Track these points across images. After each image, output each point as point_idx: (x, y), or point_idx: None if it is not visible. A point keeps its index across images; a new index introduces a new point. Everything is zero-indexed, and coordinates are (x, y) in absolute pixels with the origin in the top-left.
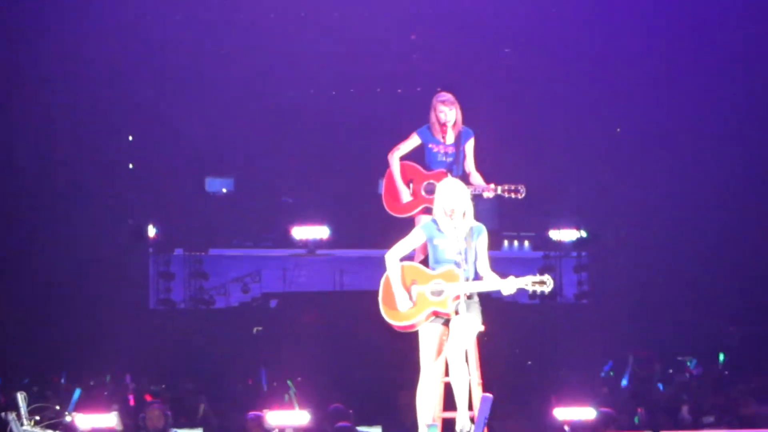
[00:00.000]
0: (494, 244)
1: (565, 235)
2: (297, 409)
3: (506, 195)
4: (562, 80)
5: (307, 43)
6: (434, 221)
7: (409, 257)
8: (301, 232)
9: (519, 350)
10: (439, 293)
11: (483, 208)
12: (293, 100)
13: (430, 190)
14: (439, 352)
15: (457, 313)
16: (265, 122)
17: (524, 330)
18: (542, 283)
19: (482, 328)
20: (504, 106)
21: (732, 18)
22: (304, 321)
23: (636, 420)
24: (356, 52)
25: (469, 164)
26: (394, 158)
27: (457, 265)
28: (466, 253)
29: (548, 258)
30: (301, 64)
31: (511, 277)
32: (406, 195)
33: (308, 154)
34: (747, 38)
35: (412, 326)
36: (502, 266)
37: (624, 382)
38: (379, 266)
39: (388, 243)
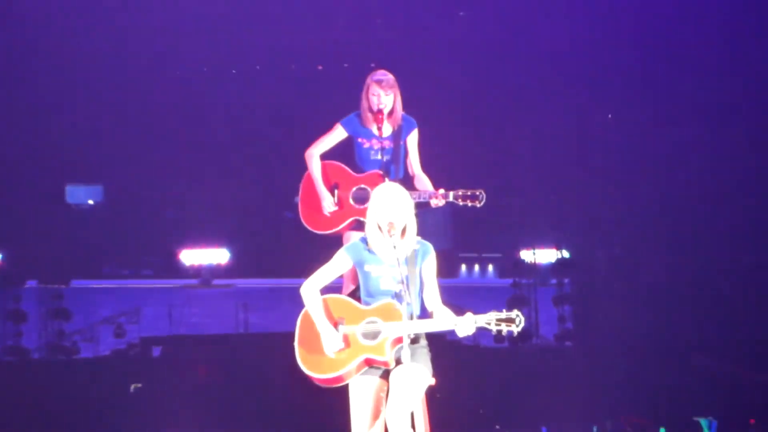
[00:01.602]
0: (447, 268)
1: (541, 256)
2: None
3: (461, 203)
4: (537, 56)
5: (196, 11)
6: (365, 240)
7: (335, 288)
8: (193, 257)
9: (482, 410)
10: (374, 336)
11: (431, 222)
12: (182, 85)
13: (361, 198)
14: (376, 414)
15: (398, 362)
16: (144, 113)
17: (488, 383)
18: (510, 320)
19: (432, 381)
20: (458, 89)
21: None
22: (197, 374)
23: None
24: (260, 18)
25: (413, 164)
26: (313, 157)
27: (398, 298)
28: (408, 282)
29: (519, 287)
30: (189, 37)
31: (469, 314)
32: (329, 205)
33: (201, 153)
34: (740, 41)
35: (340, 379)
36: (458, 298)
37: None
38: (295, 300)
39: (306, 270)
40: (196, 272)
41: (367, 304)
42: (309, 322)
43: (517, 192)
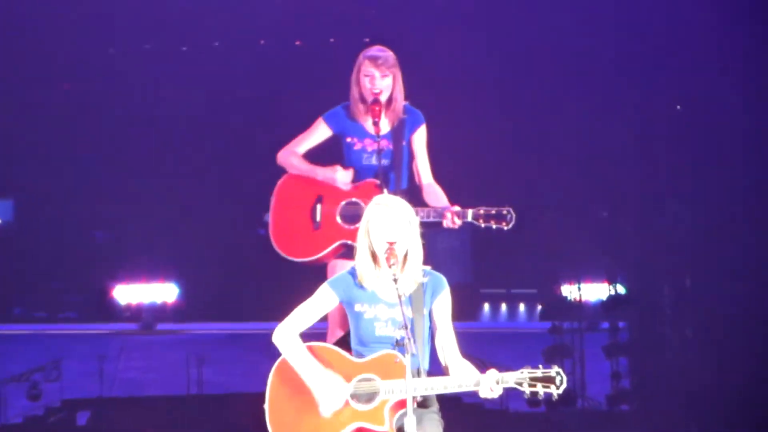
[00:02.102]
0: (466, 309)
1: (588, 292)
2: None
3: (483, 224)
4: (586, 34)
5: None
6: (353, 273)
7: (318, 335)
8: (130, 294)
9: None
10: (368, 398)
11: (444, 248)
12: (115, 69)
13: (352, 216)
14: None
15: None
16: (66, 106)
17: None
18: (549, 380)
19: None
20: (479, 73)
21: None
22: None
23: None
24: None
25: (420, 170)
26: (290, 161)
27: (400, 347)
28: (413, 327)
29: (559, 332)
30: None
31: (494, 371)
32: (309, 224)
33: (142, 157)
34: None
35: None
36: (479, 348)
37: None
38: (265, 351)
39: (279, 312)
40: (135, 314)
41: (360, 355)
42: (284, 378)
43: (555, 209)
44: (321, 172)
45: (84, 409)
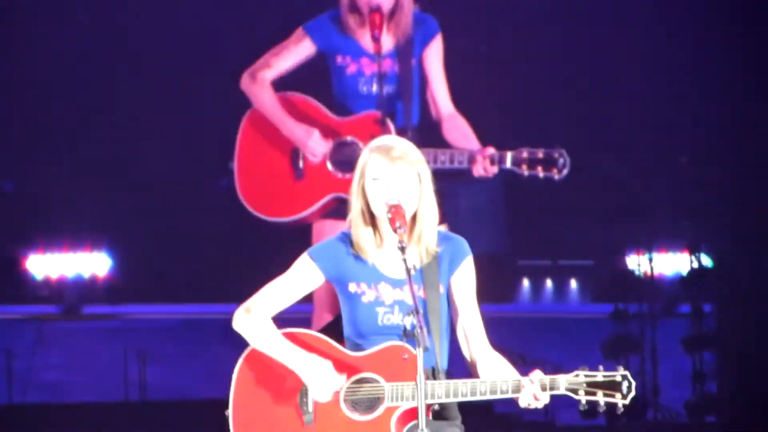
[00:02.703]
0: (499, 287)
1: (662, 264)
2: None
3: (526, 172)
4: None
5: None
6: (345, 236)
7: (299, 321)
8: (48, 266)
9: None
10: (369, 405)
11: (470, 205)
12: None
13: (346, 161)
14: None
15: None
16: None
17: None
18: (613, 386)
19: None
20: None
21: None
22: None
23: None
24: None
25: (438, 99)
26: (261, 83)
27: (408, 337)
28: (426, 312)
29: (623, 318)
30: None
31: (538, 373)
32: (288, 172)
33: (67, 89)
34: None
35: None
36: (516, 338)
37: None
38: (228, 341)
39: (248, 289)
40: (55, 293)
41: (357, 349)
42: (254, 377)
43: (618, 153)
44: (290, 128)
45: None
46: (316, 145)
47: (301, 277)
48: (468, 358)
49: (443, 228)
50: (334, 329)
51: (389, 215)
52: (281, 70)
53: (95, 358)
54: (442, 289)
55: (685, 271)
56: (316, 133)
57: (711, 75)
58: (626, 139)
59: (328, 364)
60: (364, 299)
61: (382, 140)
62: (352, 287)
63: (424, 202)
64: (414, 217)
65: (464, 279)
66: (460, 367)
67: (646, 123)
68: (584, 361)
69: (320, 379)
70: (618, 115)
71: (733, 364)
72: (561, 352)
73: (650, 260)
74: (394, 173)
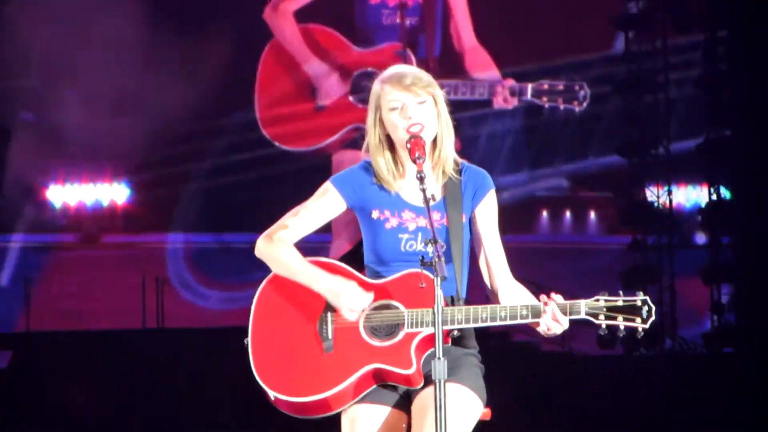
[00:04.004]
0: (519, 218)
1: (681, 196)
2: None
3: (547, 104)
4: None
5: None
6: (369, 165)
7: (317, 250)
8: (66, 196)
9: None
10: (388, 331)
11: (489, 136)
12: None
13: (363, 90)
14: None
15: (428, 379)
16: None
17: (590, 416)
18: (632, 311)
19: (487, 413)
20: None
21: None
22: (77, 396)
23: None
24: None
25: (461, 30)
26: (283, 15)
27: (426, 264)
28: (447, 240)
29: (642, 249)
30: None
31: (558, 297)
32: (309, 101)
33: (87, 19)
34: None
35: (325, 406)
36: (535, 268)
37: None
38: (248, 270)
39: (267, 218)
40: (74, 222)
41: (378, 277)
42: (274, 303)
43: (635, 85)
44: (303, 53)
45: (4, 348)
46: (330, 86)
47: (324, 205)
48: (490, 288)
49: (463, 161)
50: (352, 260)
51: (408, 145)
52: (304, 1)
53: (113, 287)
54: (464, 219)
55: (703, 203)
56: (323, 68)
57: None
58: (642, 71)
59: (353, 284)
60: (387, 225)
61: (391, 70)
62: (375, 214)
63: (442, 123)
64: (434, 140)
65: (487, 211)
66: (479, 296)
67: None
68: (603, 291)
69: (348, 298)
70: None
71: (751, 296)
72: (579, 282)
73: (669, 192)
74: (411, 100)
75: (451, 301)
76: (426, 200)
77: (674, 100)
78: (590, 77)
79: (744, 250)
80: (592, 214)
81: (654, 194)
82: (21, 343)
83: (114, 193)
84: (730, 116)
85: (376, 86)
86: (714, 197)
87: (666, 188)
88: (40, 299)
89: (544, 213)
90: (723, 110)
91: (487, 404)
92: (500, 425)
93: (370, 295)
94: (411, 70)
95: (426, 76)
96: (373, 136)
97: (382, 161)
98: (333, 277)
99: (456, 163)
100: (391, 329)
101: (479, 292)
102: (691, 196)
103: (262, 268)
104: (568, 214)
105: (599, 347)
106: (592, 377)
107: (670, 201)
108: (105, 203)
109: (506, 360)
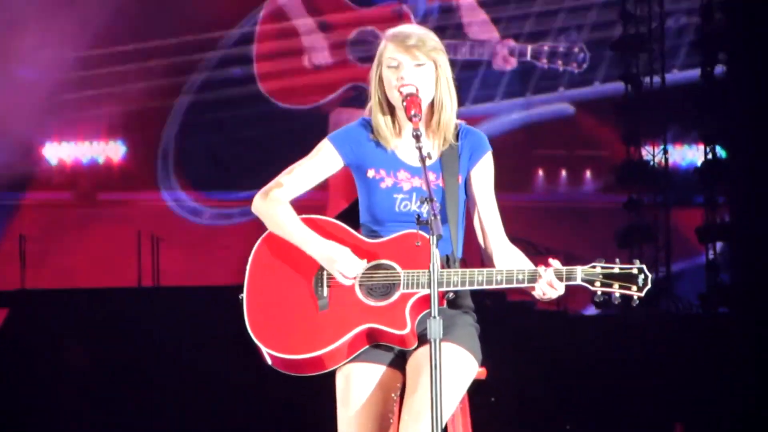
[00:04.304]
0: (515, 176)
1: (677, 155)
2: None
3: (547, 65)
4: None
5: None
6: (368, 123)
7: (314, 208)
8: (61, 152)
9: (569, 426)
10: (384, 291)
11: (491, 89)
12: None
13: (363, 51)
14: (382, 429)
15: (423, 339)
16: None
17: (582, 377)
18: (628, 278)
19: (482, 373)
20: None
21: None
22: (77, 356)
23: None
24: None
25: None
26: None
27: (422, 225)
28: (443, 200)
29: (637, 208)
30: None
31: (555, 262)
32: (312, 53)
33: None
34: None
35: (319, 364)
36: (531, 228)
37: None
38: (241, 229)
39: (265, 175)
40: (69, 180)
41: (374, 236)
42: (270, 260)
43: (632, 39)
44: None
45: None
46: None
47: (321, 162)
48: (484, 249)
49: (463, 122)
50: (349, 217)
51: (404, 104)
52: None
53: (109, 245)
54: (460, 180)
55: (699, 162)
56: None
57: None
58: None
59: (346, 251)
60: (382, 185)
61: (399, 29)
62: (371, 173)
63: (441, 90)
64: (431, 105)
65: (483, 173)
66: (474, 258)
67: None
68: (599, 249)
69: (341, 264)
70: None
71: (746, 255)
72: (575, 240)
73: (665, 151)
74: (409, 61)
75: (447, 261)
76: (422, 158)
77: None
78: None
79: (740, 209)
80: (588, 173)
81: (650, 153)
82: (17, 300)
83: (110, 149)
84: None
85: (382, 42)
86: (710, 156)
87: (662, 147)
88: (35, 257)
89: (540, 172)
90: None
91: (482, 364)
92: (492, 386)
93: (363, 262)
94: (418, 32)
95: (431, 41)
96: (374, 94)
97: (381, 119)
98: (326, 243)
99: (454, 125)
100: (387, 289)
101: (476, 253)
102: (686, 155)
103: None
104: (564, 173)
105: (595, 308)
106: (586, 337)
107: (666, 160)
108: (101, 160)
109: (499, 320)
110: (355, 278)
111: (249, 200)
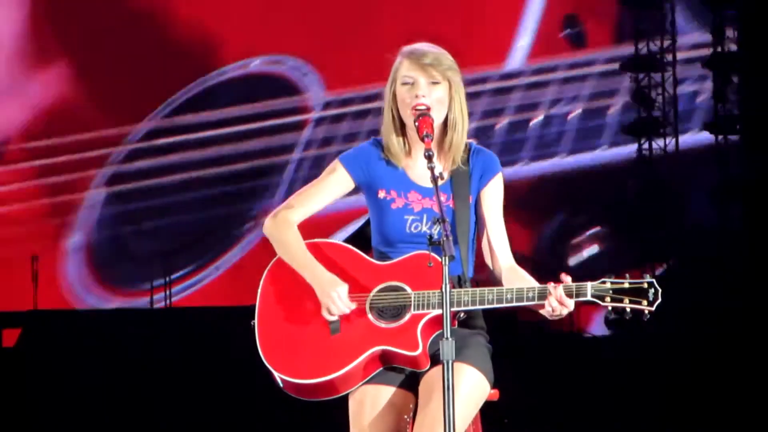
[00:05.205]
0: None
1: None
2: None
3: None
4: None
5: None
6: (377, 142)
7: (322, 228)
8: None
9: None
10: (395, 313)
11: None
12: None
13: None
14: None
15: (435, 360)
16: None
17: (595, 397)
18: (639, 293)
19: (494, 393)
20: None
21: None
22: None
23: None
24: None
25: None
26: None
27: (434, 246)
28: (454, 221)
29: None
30: None
31: (567, 278)
32: None
33: None
34: None
35: (332, 388)
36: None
37: None
38: (255, 249)
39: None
40: None
41: (385, 258)
42: (281, 285)
43: None
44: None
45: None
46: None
47: (331, 183)
48: (492, 270)
49: (474, 142)
50: (360, 239)
51: (416, 123)
52: None
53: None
54: (471, 200)
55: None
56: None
57: None
58: None
59: (343, 289)
60: (393, 206)
61: (415, 46)
62: (382, 194)
63: (454, 110)
64: (444, 125)
65: (493, 194)
66: (487, 276)
67: None
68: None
69: (333, 301)
70: None
71: (755, 83)
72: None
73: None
74: (424, 79)
75: (458, 281)
76: (434, 179)
77: None
78: None
79: (750, 37)
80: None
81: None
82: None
83: None
84: None
85: (398, 58)
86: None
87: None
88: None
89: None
90: None
91: (495, 385)
92: (505, 407)
93: (353, 305)
94: (434, 50)
95: (447, 60)
96: (386, 111)
97: (394, 139)
98: (324, 274)
99: (465, 145)
100: (398, 311)
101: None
102: None
103: None
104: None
105: (606, 327)
106: (597, 357)
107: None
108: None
109: (511, 340)
110: (364, 300)
111: None
